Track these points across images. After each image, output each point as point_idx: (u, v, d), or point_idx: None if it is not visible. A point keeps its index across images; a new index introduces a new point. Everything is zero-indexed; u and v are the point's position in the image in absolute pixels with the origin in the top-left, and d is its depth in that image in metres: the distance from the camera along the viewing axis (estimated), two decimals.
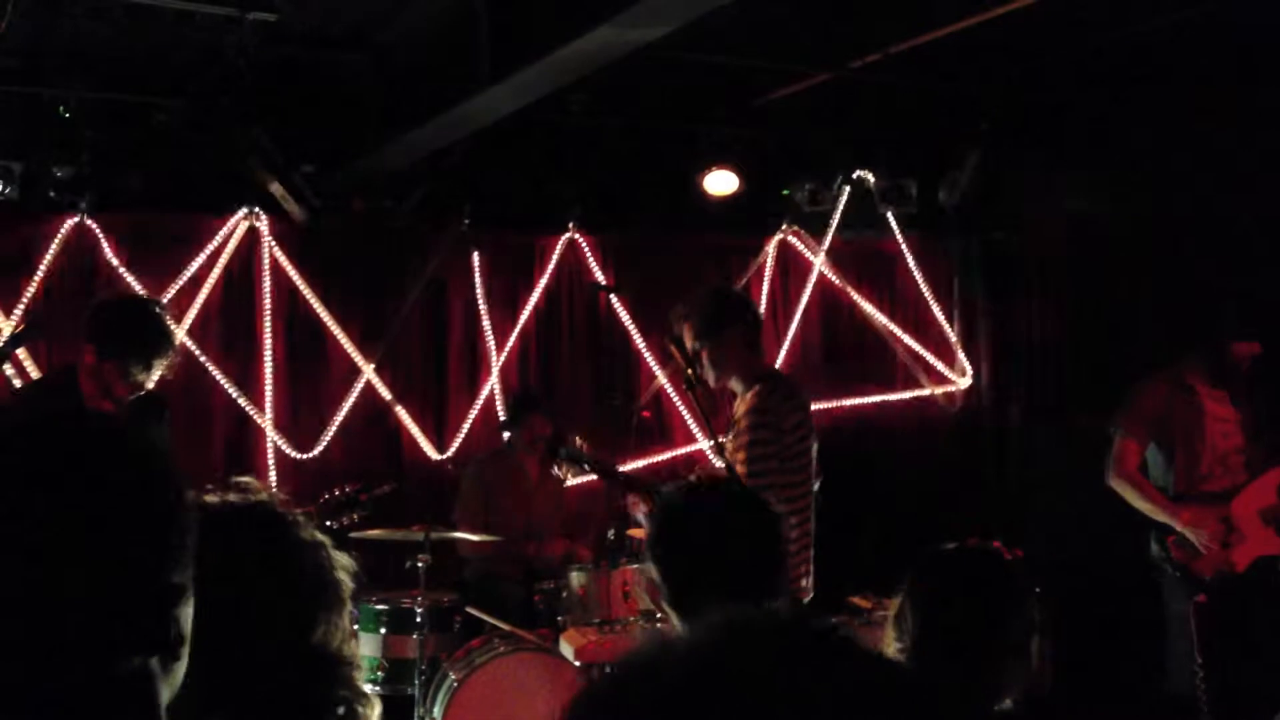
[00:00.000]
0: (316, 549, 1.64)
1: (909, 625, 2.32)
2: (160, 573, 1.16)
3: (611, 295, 6.99)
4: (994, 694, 2.30)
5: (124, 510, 1.14)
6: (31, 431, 1.19)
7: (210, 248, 6.28)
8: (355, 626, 4.87)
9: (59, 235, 5.93)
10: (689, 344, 4.33)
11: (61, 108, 5.61)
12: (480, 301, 6.87)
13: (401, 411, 6.69)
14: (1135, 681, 5.75)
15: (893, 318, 7.72)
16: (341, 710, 1.54)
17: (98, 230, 6.03)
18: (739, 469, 4.05)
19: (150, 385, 4.14)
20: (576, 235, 7.07)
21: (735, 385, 4.34)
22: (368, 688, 1.63)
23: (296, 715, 1.52)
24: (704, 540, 2.34)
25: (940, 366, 7.77)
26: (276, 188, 6.02)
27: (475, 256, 6.87)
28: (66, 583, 1.10)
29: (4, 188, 5.58)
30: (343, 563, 1.67)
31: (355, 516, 4.49)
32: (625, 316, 7.09)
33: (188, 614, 1.21)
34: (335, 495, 4.54)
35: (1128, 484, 5.04)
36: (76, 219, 5.95)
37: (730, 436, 4.21)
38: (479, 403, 6.82)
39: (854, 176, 7.29)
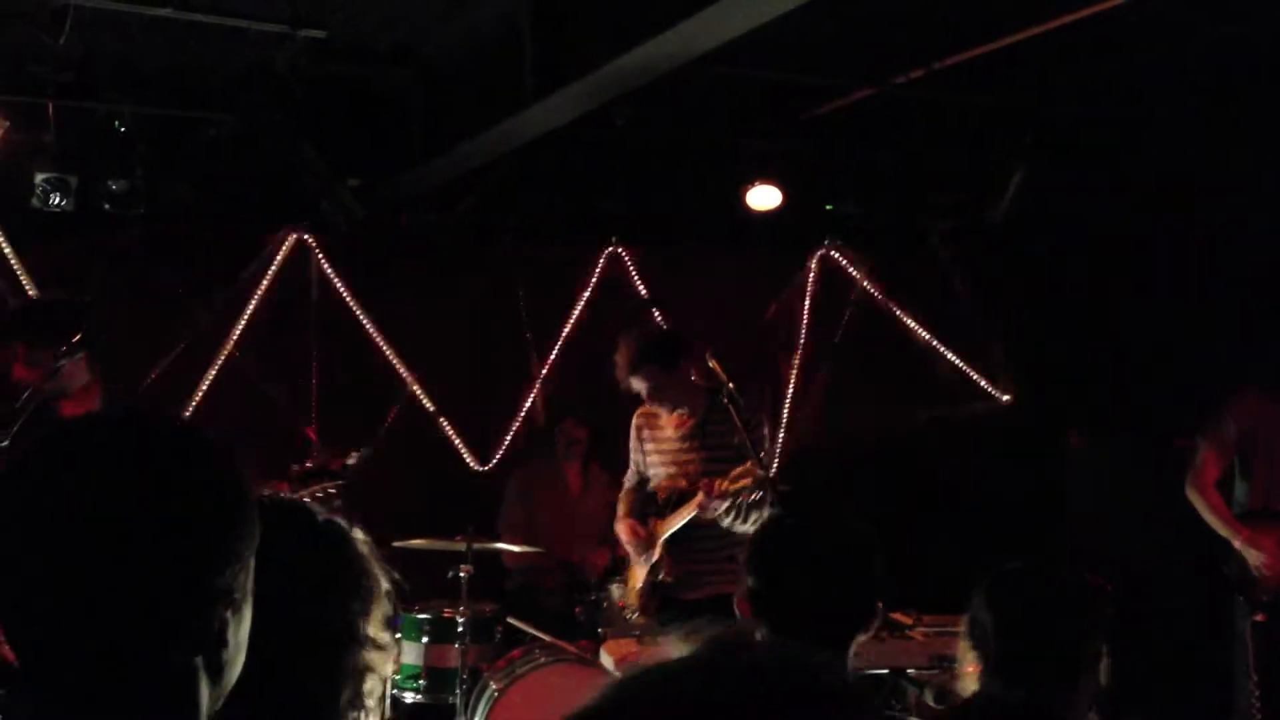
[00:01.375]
0: (339, 545, 1.61)
1: (990, 639, 2.34)
2: (209, 572, 1.17)
3: (654, 309, 7.03)
4: (1072, 713, 2.34)
5: (176, 506, 1.16)
6: (85, 429, 1.22)
7: (259, 259, 6.38)
8: (396, 635, 4.91)
9: (113, 247, 6.04)
10: (638, 390, 4.68)
11: (116, 122, 5.72)
12: (523, 314, 6.92)
13: (444, 423, 6.75)
14: (1179, 698, 5.68)
15: (935, 333, 7.68)
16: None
17: (151, 244, 6.14)
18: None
19: (62, 373, 3.96)
20: (619, 249, 7.11)
21: (689, 406, 4.67)
22: (377, 695, 1.58)
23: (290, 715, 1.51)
24: (805, 560, 2.37)
25: (983, 383, 7.73)
26: (325, 203, 6.11)
27: (518, 269, 6.93)
28: (113, 577, 1.12)
29: (60, 200, 5.70)
30: (374, 563, 1.64)
31: (332, 487, 4.39)
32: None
33: (241, 617, 1.22)
34: (305, 466, 4.54)
35: (1198, 495, 5.00)
36: (132, 233, 6.07)
37: (723, 442, 4.44)
38: (521, 415, 6.87)
39: (898, 191, 7.28)
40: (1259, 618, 4.76)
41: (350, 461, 4.58)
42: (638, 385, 4.68)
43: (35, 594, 1.13)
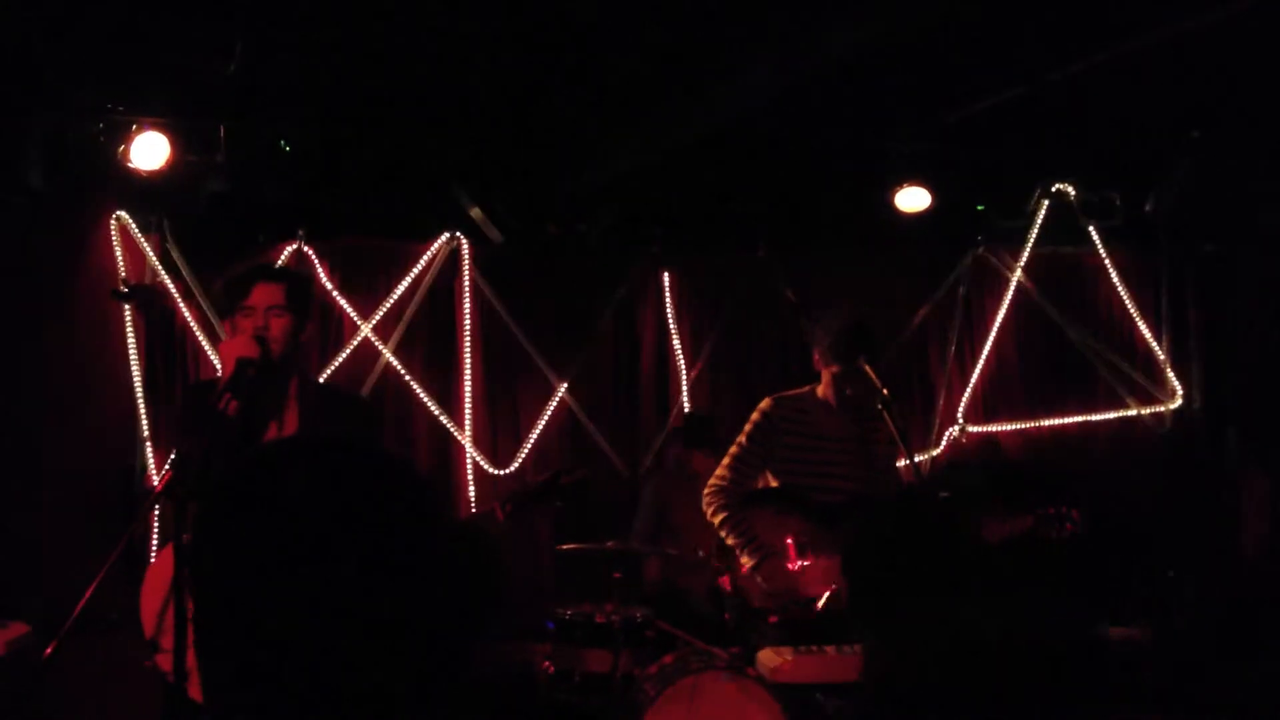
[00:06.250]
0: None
1: None
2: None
3: (802, 315, 6.97)
4: None
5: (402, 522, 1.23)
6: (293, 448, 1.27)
7: (414, 271, 6.57)
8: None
9: (280, 261, 6.29)
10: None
11: (282, 141, 5.95)
12: (671, 321, 6.96)
13: (593, 429, 6.82)
14: None
15: (1095, 335, 7.43)
16: None
17: (313, 255, 6.38)
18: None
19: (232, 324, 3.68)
20: (765, 254, 7.07)
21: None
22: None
23: None
24: None
25: (1148, 386, 7.44)
26: (476, 212, 6.26)
27: (666, 277, 6.97)
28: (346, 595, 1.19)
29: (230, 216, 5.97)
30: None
31: (556, 504, 4.50)
32: None
33: None
34: (523, 491, 4.64)
35: None
36: (295, 245, 6.32)
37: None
38: (669, 422, 6.89)
39: (1054, 189, 7.07)
40: None
41: (570, 480, 4.66)
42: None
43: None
